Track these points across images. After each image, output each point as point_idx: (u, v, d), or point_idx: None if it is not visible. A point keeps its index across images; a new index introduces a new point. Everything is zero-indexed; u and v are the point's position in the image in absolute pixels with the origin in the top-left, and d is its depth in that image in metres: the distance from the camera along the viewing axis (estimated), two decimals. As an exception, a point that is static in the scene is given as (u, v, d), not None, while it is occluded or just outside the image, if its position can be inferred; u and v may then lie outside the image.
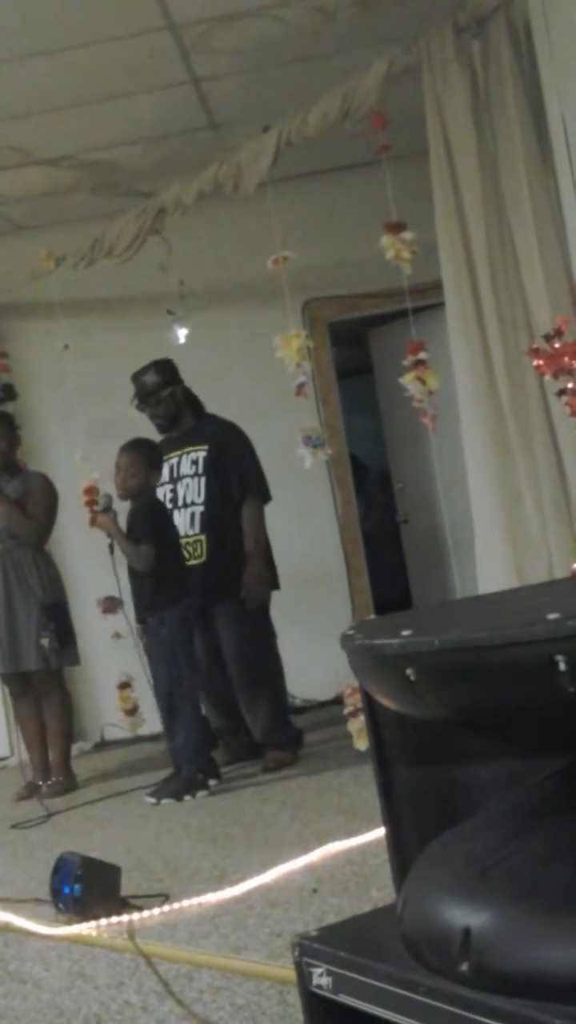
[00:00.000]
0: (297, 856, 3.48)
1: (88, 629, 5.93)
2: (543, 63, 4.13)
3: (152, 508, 5.03)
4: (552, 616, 1.42)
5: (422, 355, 4.48)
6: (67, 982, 2.80)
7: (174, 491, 5.30)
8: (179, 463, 5.33)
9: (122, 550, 4.93)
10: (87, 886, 3.22)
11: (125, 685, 6.01)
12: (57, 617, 5.36)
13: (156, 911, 3.18)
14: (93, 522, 5.61)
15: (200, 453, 5.30)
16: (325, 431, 6.09)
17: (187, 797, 4.72)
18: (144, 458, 4.98)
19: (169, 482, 5.29)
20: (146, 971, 2.75)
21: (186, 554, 5.16)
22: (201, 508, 5.24)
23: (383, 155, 4.49)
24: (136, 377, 5.39)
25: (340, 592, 6.75)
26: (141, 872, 3.66)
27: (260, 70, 5.24)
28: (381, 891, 2.97)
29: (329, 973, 1.78)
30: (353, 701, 4.61)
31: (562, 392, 3.80)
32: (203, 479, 5.26)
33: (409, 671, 1.59)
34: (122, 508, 5.06)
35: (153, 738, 5.90)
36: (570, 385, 3.74)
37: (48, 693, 5.42)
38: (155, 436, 5.40)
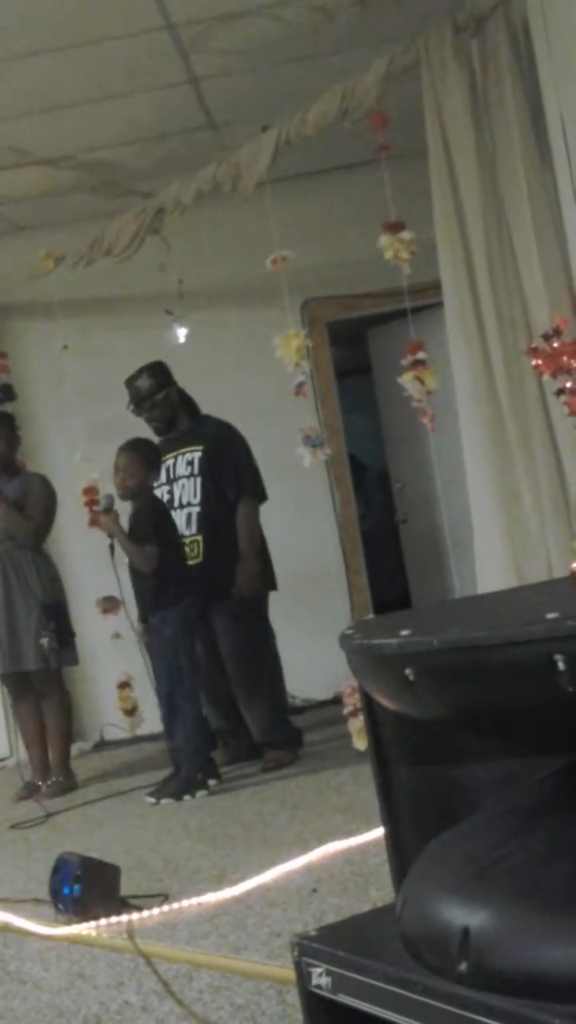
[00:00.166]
0: (296, 856, 3.48)
1: (88, 629, 5.93)
2: (542, 62, 4.13)
3: (154, 508, 5.03)
4: (551, 615, 1.42)
5: (421, 355, 4.48)
6: (67, 982, 2.80)
7: (170, 492, 5.30)
8: (175, 464, 5.33)
9: (125, 551, 4.93)
10: (86, 886, 3.22)
11: (125, 685, 6.02)
12: (57, 617, 5.36)
13: (155, 911, 3.18)
14: (93, 522, 5.62)
15: (196, 454, 5.30)
16: (324, 431, 6.09)
17: (187, 797, 4.72)
18: (143, 458, 4.99)
19: (166, 483, 5.29)
20: (146, 971, 2.75)
21: (184, 554, 5.17)
22: (197, 508, 5.24)
23: (382, 154, 4.49)
24: (129, 382, 5.40)
25: (339, 591, 6.75)
26: (140, 872, 3.66)
27: (259, 69, 5.24)
28: (380, 891, 2.97)
29: (328, 973, 1.78)
30: (352, 701, 4.61)
31: (560, 391, 3.79)
32: (199, 479, 5.27)
33: (408, 671, 1.59)
34: (123, 509, 5.06)
35: (152, 738, 5.90)
36: (568, 384, 3.73)
37: (47, 693, 5.42)
38: (153, 437, 5.40)
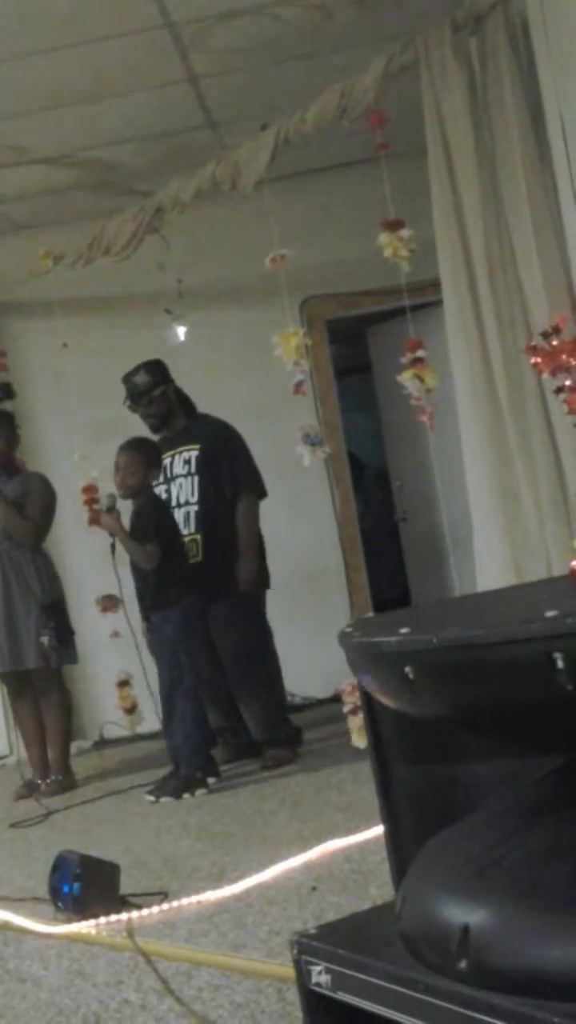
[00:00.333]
0: (296, 854, 3.48)
1: (87, 628, 5.93)
2: (541, 61, 4.13)
3: (155, 507, 5.04)
4: (550, 614, 1.42)
5: (420, 353, 4.48)
6: (66, 980, 2.80)
7: (168, 491, 5.30)
8: (172, 463, 5.33)
9: (127, 550, 4.93)
10: (86, 884, 3.22)
11: (124, 683, 6.02)
12: (56, 616, 5.36)
13: (155, 909, 3.18)
14: (93, 521, 5.63)
15: (192, 453, 5.31)
16: (323, 429, 6.09)
17: (186, 795, 4.72)
18: (143, 457, 4.99)
19: (163, 482, 5.29)
20: (145, 969, 2.75)
21: (182, 553, 5.17)
22: (195, 507, 5.25)
23: (381, 153, 4.49)
24: (127, 379, 5.41)
25: (339, 590, 6.75)
26: (140, 870, 3.66)
27: (258, 68, 5.24)
28: (380, 889, 2.97)
29: (328, 971, 1.78)
30: (352, 699, 4.61)
31: (560, 390, 3.79)
32: (196, 478, 5.27)
33: (407, 669, 1.59)
34: (125, 508, 5.07)
35: (152, 736, 5.90)
36: (568, 383, 3.73)
37: (47, 692, 5.42)
38: (150, 436, 5.40)
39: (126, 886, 3.34)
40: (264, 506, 5.36)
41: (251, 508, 5.27)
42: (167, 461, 5.32)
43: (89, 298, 6.59)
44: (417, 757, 1.92)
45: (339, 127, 4.76)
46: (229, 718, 5.34)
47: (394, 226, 4.48)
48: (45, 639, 5.26)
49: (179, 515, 5.24)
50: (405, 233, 4.46)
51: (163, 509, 5.11)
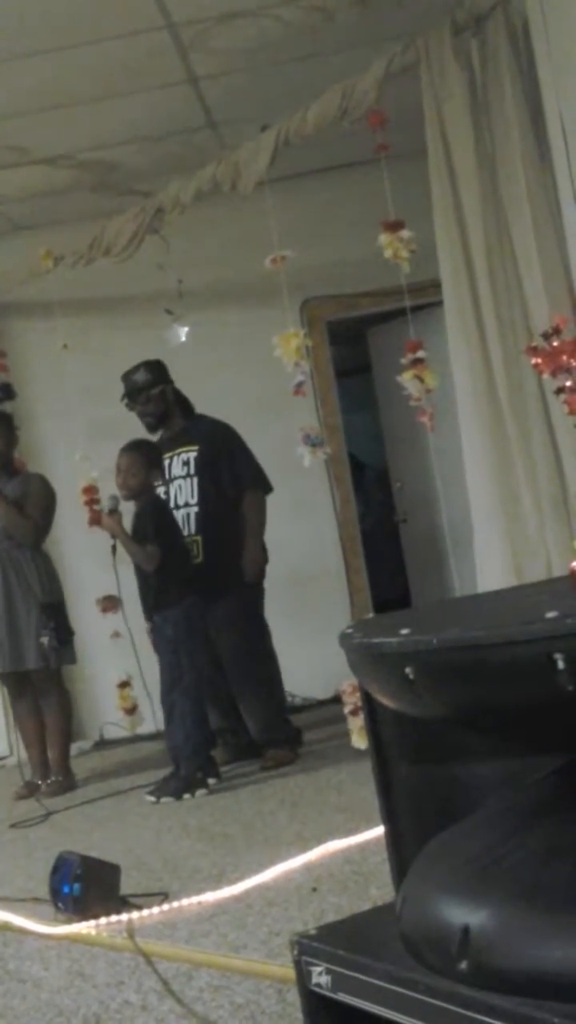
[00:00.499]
0: (296, 855, 3.48)
1: (87, 628, 5.93)
2: (541, 61, 4.13)
3: (156, 508, 5.04)
4: (550, 615, 1.42)
5: (420, 353, 4.49)
6: (66, 981, 2.80)
7: (167, 493, 5.30)
8: (171, 464, 5.33)
9: (128, 551, 4.94)
10: (86, 885, 3.22)
11: (125, 684, 6.02)
12: (56, 616, 5.36)
13: (155, 910, 3.18)
14: (93, 521, 5.62)
15: (191, 454, 5.31)
16: (324, 430, 6.09)
17: (186, 796, 4.72)
18: (143, 458, 5.00)
19: (162, 484, 5.29)
20: (145, 970, 2.75)
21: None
22: (195, 509, 5.25)
23: (381, 154, 4.49)
24: (126, 375, 5.42)
25: (339, 591, 6.75)
26: (140, 871, 3.66)
27: (258, 69, 5.24)
28: (380, 890, 2.97)
29: (328, 972, 1.78)
30: (352, 699, 4.61)
31: (560, 391, 3.79)
32: (195, 480, 5.27)
33: (408, 669, 1.59)
34: (128, 509, 5.07)
35: (152, 737, 5.90)
36: (568, 383, 3.73)
37: (47, 692, 5.42)
38: (148, 436, 5.41)
39: (126, 887, 3.34)
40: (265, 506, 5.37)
41: (257, 502, 5.28)
42: (166, 463, 5.32)
43: (89, 298, 6.59)
44: (417, 757, 1.92)
45: (339, 128, 4.76)
46: (229, 719, 5.34)
47: (394, 227, 4.48)
48: (45, 639, 5.26)
49: (179, 516, 5.24)
50: (405, 234, 4.46)
51: (164, 510, 5.12)
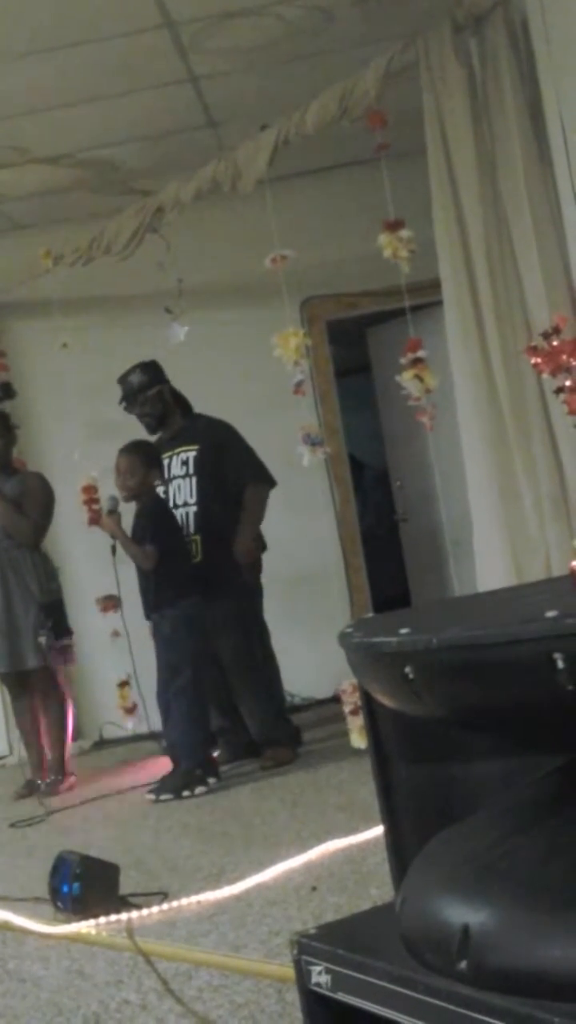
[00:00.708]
0: (296, 854, 3.49)
1: (87, 628, 5.93)
2: (541, 60, 4.13)
3: (154, 508, 5.05)
4: (550, 614, 1.42)
5: (420, 353, 4.48)
6: (66, 980, 2.80)
7: (166, 492, 5.31)
8: (170, 464, 5.33)
9: (126, 551, 4.95)
10: (86, 885, 3.22)
11: (124, 683, 6.01)
12: (55, 615, 5.36)
13: (155, 909, 3.18)
14: (92, 521, 5.62)
15: (190, 453, 5.31)
16: (323, 429, 6.09)
17: (186, 793, 4.72)
18: (141, 459, 5.01)
19: (161, 484, 5.29)
20: (145, 969, 2.75)
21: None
22: (194, 508, 5.25)
23: (381, 153, 4.49)
24: (122, 379, 5.42)
25: (338, 590, 6.74)
26: (140, 870, 3.66)
27: (258, 68, 5.24)
28: (380, 889, 2.97)
29: (328, 971, 1.78)
30: (352, 699, 4.61)
31: (560, 390, 3.79)
32: (194, 479, 5.27)
33: (407, 669, 1.58)
34: (129, 509, 5.07)
35: (152, 736, 5.90)
36: (568, 383, 3.73)
37: (46, 692, 5.42)
38: (146, 436, 5.41)
39: (126, 886, 3.34)
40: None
41: (259, 492, 5.30)
42: (165, 462, 5.32)
43: (89, 298, 6.59)
44: (417, 757, 1.91)
45: (339, 127, 4.76)
46: (229, 718, 5.34)
47: (394, 226, 4.48)
48: (43, 639, 5.26)
49: (178, 516, 5.24)
50: (405, 233, 4.46)
51: (163, 510, 5.12)
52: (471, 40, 4.35)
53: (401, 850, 1.92)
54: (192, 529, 5.23)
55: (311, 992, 1.82)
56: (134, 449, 5.05)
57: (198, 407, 5.54)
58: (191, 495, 5.27)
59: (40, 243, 6.09)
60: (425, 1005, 1.57)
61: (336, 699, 5.35)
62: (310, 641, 5.62)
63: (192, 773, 4.79)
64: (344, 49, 5.04)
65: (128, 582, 5.15)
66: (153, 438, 5.44)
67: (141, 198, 5.85)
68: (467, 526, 4.60)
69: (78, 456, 6.04)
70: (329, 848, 3.53)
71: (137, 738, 6.22)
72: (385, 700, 1.77)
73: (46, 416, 6.78)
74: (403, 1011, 1.61)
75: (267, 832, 3.95)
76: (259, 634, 5.30)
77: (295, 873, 3.36)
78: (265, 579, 5.40)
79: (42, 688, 5.41)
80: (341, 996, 1.75)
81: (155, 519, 4.98)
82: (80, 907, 3.20)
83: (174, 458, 5.34)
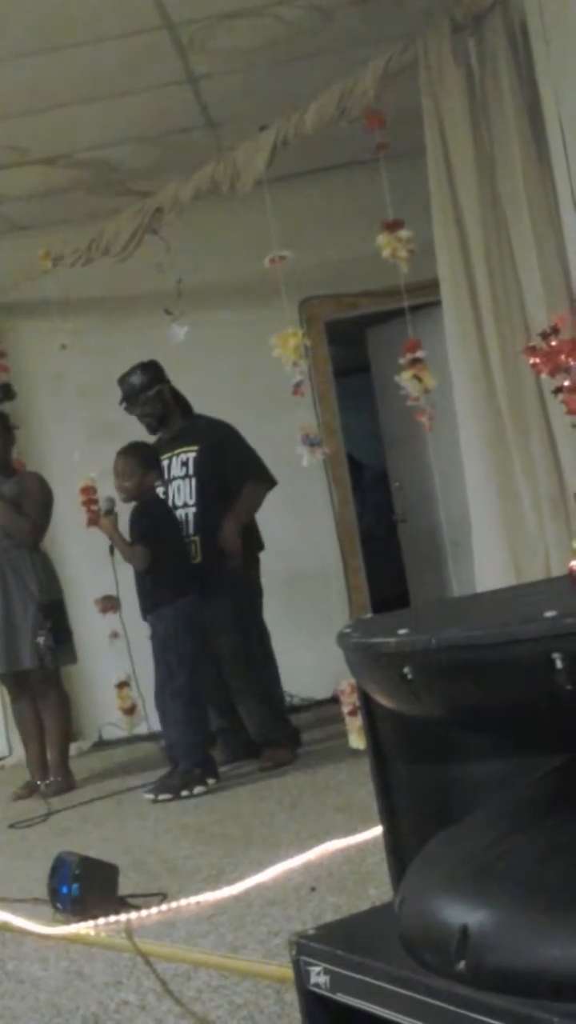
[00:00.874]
0: (295, 855, 3.49)
1: (86, 628, 5.93)
2: (539, 61, 4.13)
3: (152, 508, 5.05)
4: (549, 614, 1.42)
5: (419, 353, 4.49)
6: (65, 981, 2.80)
7: (166, 493, 5.31)
8: (170, 465, 5.34)
9: (120, 552, 4.96)
10: (85, 885, 3.22)
11: (124, 684, 6.01)
12: (54, 616, 5.36)
13: (154, 910, 3.18)
14: (91, 522, 5.63)
15: (190, 454, 5.31)
16: (322, 430, 6.09)
17: (184, 793, 4.72)
18: (139, 460, 5.02)
19: (161, 484, 5.29)
20: (144, 970, 2.75)
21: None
22: (194, 509, 5.25)
23: (380, 153, 4.49)
24: (122, 379, 5.43)
25: (337, 590, 6.74)
26: (139, 871, 3.66)
27: (257, 69, 5.24)
28: (379, 889, 2.97)
29: (327, 972, 1.78)
30: (351, 699, 4.61)
31: (558, 390, 3.80)
32: (194, 480, 5.27)
33: (406, 669, 1.58)
34: (125, 510, 5.07)
35: (151, 737, 5.90)
36: (566, 383, 3.74)
37: (45, 692, 5.42)
38: (146, 437, 5.41)
39: (125, 887, 3.34)
40: (263, 506, 5.36)
41: (256, 490, 5.29)
42: (164, 463, 5.32)
43: (89, 298, 6.59)
44: (416, 757, 1.91)
45: (338, 128, 4.76)
46: (228, 719, 5.34)
47: (393, 226, 4.48)
48: (41, 639, 5.26)
49: (177, 516, 5.24)
50: (404, 233, 4.46)
51: (161, 510, 5.13)
52: (470, 40, 4.35)
53: (400, 850, 1.92)
54: (192, 530, 5.23)
55: (310, 992, 1.82)
56: (131, 451, 5.06)
57: (198, 407, 5.54)
58: (191, 496, 5.27)
59: (39, 244, 6.09)
60: (424, 1005, 1.56)
61: (335, 700, 5.35)
62: (309, 641, 5.62)
63: (191, 773, 4.79)
64: (343, 49, 5.04)
65: (127, 583, 5.15)
66: (153, 439, 5.44)
67: (140, 198, 5.84)
68: (466, 526, 4.60)
69: (77, 457, 6.03)
70: (328, 849, 3.53)
71: (136, 739, 6.22)
72: (384, 700, 1.77)
73: (46, 417, 6.78)
74: (402, 1011, 1.61)
75: (266, 833, 3.95)
76: (258, 635, 5.30)
77: (294, 874, 3.36)
78: (264, 579, 5.41)
79: (41, 689, 5.41)
80: (340, 997, 1.75)
81: (152, 519, 4.99)
82: (79, 908, 3.20)
83: (174, 459, 5.34)
